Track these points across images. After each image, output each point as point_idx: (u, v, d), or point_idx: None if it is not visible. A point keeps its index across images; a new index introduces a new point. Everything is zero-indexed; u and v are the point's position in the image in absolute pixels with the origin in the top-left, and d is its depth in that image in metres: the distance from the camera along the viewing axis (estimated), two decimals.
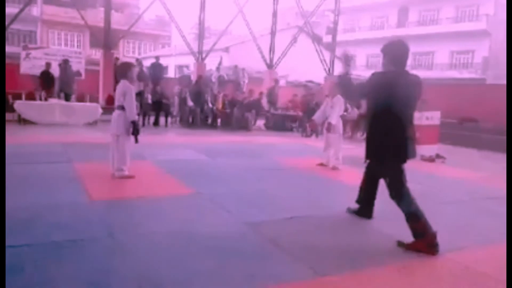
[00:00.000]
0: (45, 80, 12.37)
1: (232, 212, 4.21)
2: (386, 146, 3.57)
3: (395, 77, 3.54)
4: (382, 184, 6.22)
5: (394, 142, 3.52)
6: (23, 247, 2.96)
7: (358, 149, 9.97)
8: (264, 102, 15.08)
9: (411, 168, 8.09)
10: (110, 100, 13.56)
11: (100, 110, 11.49)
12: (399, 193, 3.64)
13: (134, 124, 5.23)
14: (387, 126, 3.54)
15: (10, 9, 19.17)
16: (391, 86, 3.51)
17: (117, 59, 16.27)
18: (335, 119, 6.93)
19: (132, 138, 5.22)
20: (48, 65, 12.57)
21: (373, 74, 3.75)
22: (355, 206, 4.34)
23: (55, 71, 12.72)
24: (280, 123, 13.81)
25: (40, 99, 11.88)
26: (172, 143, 9.06)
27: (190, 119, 12.95)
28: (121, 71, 5.52)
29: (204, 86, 13.72)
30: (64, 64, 12.80)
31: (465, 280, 3.01)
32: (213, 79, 16.06)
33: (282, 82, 19.95)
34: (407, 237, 3.57)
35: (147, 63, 18.10)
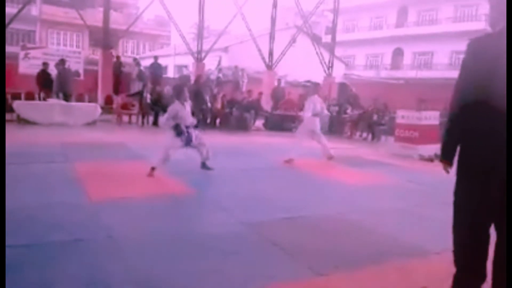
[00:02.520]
0: (42, 80, 12.31)
1: (231, 212, 4.21)
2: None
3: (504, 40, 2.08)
4: (380, 186, 6.23)
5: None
6: (21, 248, 2.97)
7: (356, 149, 10.01)
8: (268, 102, 15.06)
9: (410, 167, 8.13)
10: (109, 100, 13.55)
11: (99, 110, 11.47)
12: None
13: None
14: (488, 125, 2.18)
15: (9, 9, 19.09)
16: (496, 56, 2.10)
17: (118, 57, 16.27)
18: (305, 115, 7.64)
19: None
20: (45, 64, 12.50)
21: (469, 44, 2.40)
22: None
23: (54, 71, 12.69)
24: (279, 123, 13.81)
25: (39, 99, 11.86)
26: None
27: None
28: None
29: (203, 86, 13.71)
30: (61, 64, 12.76)
31: None
32: (212, 77, 16.05)
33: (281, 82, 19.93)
34: (405, 236, 3.58)
35: (146, 63, 18.10)
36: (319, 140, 7.68)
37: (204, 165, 6.10)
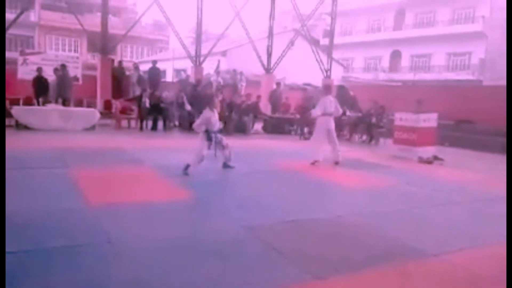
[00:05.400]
0: (38, 86, 12.19)
1: (230, 216, 4.21)
2: None
3: None
4: (379, 188, 6.23)
5: None
6: (20, 253, 2.96)
7: (356, 152, 10.01)
8: (265, 105, 15.05)
9: (409, 170, 8.14)
10: (107, 105, 13.55)
11: (98, 115, 11.46)
12: None
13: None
14: None
15: (8, 14, 19.13)
16: None
17: (119, 62, 16.31)
18: (313, 114, 7.86)
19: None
20: (39, 70, 12.37)
21: None
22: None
23: (51, 76, 12.66)
24: (278, 126, 13.81)
25: (38, 104, 11.83)
26: (171, 147, 9.06)
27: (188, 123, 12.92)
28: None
29: (202, 90, 13.72)
30: (62, 69, 12.75)
31: (463, 282, 3.02)
32: (214, 83, 16.03)
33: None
34: (404, 238, 3.57)
35: (144, 67, 18.11)
36: (332, 141, 7.84)
37: (226, 165, 6.60)
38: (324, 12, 29.57)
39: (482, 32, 27.91)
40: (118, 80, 15.02)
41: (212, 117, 6.19)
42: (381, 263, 3.20)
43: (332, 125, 7.76)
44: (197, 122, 6.33)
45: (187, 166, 5.99)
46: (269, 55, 18.31)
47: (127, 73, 15.75)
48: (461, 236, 4.07)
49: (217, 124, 6.31)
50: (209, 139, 6.14)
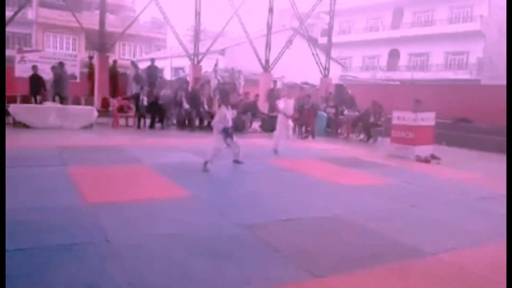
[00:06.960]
0: (33, 84, 12.12)
1: (228, 215, 4.21)
2: None
3: None
4: (376, 187, 6.24)
5: None
6: (17, 252, 2.95)
7: (353, 151, 10.02)
8: (263, 105, 15.04)
9: (406, 169, 8.15)
10: (105, 103, 13.53)
11: (96, 113, 11.44)
12: None
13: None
14: None
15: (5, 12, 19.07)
16: None
17: (114, 61, 16.29)
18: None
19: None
20: (35, 68, 12.28)
21: None
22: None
23: (49, 74, 12.62)
24: (275, 125, 13.78)
25: (35, 103, 11.81)
26: (168, 145, 9.05)
27: (186, 122, 12.92)
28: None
29: (200, 89, 13.71)
30: (59, 67, 12.72)
31: (460, 281, 3.03)
32: (212, 86, 16.00)
33: (278, 84, 19.97)
34: (402, 237, 3.57)
35: (143, 65, 18.09)
36: (288, 136, 8.94)
37: (236, 161, 6.85)
38: (322, 11, 29.63)
39: (480, 31, 27.96)
40: (113, 79, 15.01)
41: (227, 113, 6.43)
42: (378, 261, 3.21)
43: (291, 123, 8.97)
44: (216, 120, 6.56)
45: (206, 163, 6.19)
46: (267, 53, 18.30)
47: (128, 72, 15.71)
48: (459, 234, 4.08)
49: (231, 121, 6.54)
50: (226, 136, 6.38)
